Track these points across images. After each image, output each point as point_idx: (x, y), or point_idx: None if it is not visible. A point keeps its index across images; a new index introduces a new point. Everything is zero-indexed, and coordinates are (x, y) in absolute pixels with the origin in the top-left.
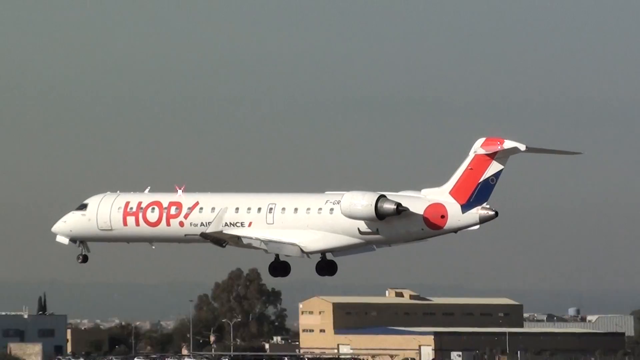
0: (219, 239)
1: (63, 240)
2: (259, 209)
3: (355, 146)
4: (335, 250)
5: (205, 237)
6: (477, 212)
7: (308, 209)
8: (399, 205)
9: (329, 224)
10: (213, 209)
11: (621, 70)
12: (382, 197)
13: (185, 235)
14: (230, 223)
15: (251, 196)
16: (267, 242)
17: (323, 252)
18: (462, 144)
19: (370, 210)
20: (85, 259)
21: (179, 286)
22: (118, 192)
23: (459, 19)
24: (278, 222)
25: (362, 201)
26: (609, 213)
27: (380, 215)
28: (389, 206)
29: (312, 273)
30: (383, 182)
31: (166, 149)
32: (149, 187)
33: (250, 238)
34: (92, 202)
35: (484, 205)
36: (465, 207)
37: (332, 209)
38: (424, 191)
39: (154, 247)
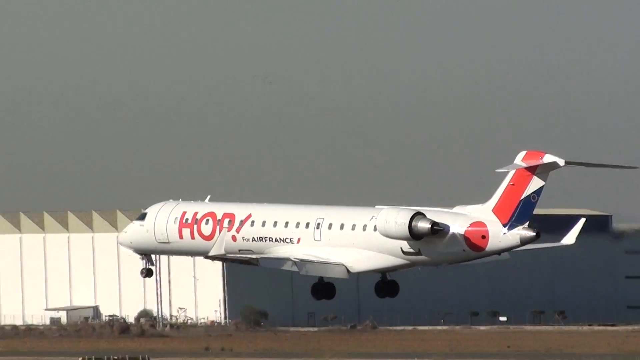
0: (241, 260)
1: (128, 251)
2: (307, 224)
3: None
4: (382, 272)
5: (209, 258)
6: (517, 233)
7: (354, 225)
8: (434, 224)
9: (373, 243)
10: (264, 223)
11: None
12: (417, 215)
13: (239, 250)
14: (280, 239)
15: (300, 209)
16: (299, 262)
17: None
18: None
19: (404, 229)
20: (149, 272)
21: None
22: (180, 200)
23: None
24: (325, 239)
25: (397, 219)
26: None
27: (415, 234)
28: (423, 225)
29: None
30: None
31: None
32: (209, 196)
33: (273, 259)
34: (151, 211)
35: (525, 225)
36: (507, 227)
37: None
38: (468, 208)
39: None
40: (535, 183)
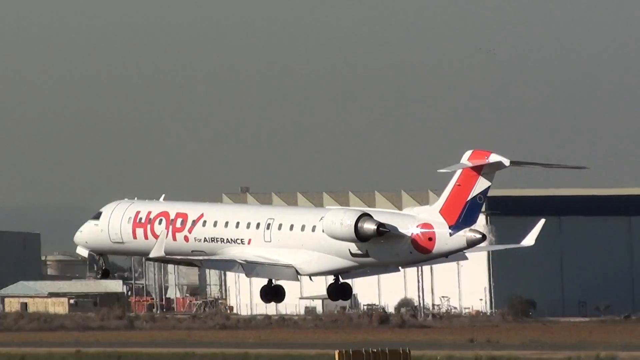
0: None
1: (82, 251)
2: (258, 225)
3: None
4: (330, 274)
5: (150, 260)
6: (464, 235)
7: (303, 226)
8: (380, 225)
9: (322, 245)
10: (215, 223)
11: None
12: (363, 216)
13: (192, 251)
14: (231, 240)
15: (252, 209)
16: (246, 264)
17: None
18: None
19: (350, 230)
20: (105, 273)
21: None
22: (135, 199)
23: None
24: (275, 240)
25: (343, 220)
26: None
27: (360, 236)
28: (369, 226)
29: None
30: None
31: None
32: (163, 195)
33: (217, 261)
34: (106, 210)
35: (472, 227)
36: (454, 229)
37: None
38: (416, 209)
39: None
40: (482, 184)
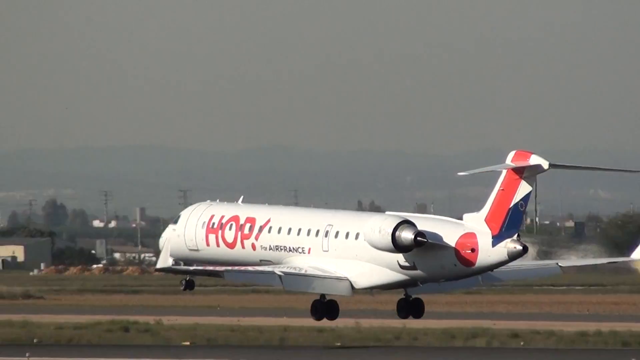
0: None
1: (166, 260)
2: (317, 232)
3: None
4: (386, 288)
5: (158, 271)
6: (504, 247)
7: (357, 234)
8: (418, 234)
9: (374, 255)
10: (280, 229)
11: None
12: (403, 224)
13: (260, 260)
14: (293, 248)
15: (315, 214)
16: (285, 275)
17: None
18: None
19: (388, 239)
20: (189, 284)
21: None
22: (218, 201)
23: None
24: (332, 249)
25: (382, 227)
26: None
27: (398, 245)
28: (406, 235)
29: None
30: None
31: None
32: (242, 197)
33: (242, 272)
34: (184, 214)
35: (514, 237)
36: (496, 239)
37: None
38: (465, 216)
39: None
40: (524, 188)
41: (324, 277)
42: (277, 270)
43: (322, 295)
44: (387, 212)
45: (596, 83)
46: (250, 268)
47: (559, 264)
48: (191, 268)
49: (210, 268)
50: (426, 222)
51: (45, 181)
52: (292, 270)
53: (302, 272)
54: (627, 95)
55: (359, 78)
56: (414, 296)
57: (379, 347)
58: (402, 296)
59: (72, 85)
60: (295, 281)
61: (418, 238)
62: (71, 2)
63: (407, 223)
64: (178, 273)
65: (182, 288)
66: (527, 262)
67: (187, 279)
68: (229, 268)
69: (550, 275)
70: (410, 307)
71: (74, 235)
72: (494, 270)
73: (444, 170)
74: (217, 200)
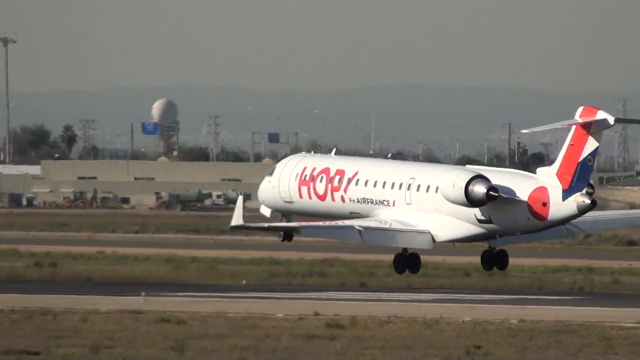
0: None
1: (265, 210)
2: (401, 185)
3: None
4: (466, 241)
5: (232, 229)
6: (574, 201)
7: (437, 187)
8: (490, 188)
9: (453, 209)
10: (366, 182)
11: None
12: (476, 178)
13: (350, 212)
14: (379, 201)
15: (400, 166)
16: (365, 230)
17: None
18: None
19: (461, 193)
20: (287, 235)
21: None
22: (312, 152)
23: None
24: (414, 202)
25: (455, 181)
26: None
27: (472, 200)
28: (479, 189)
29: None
30: None
31: None
32: (334, 149)
33: (319, 227)
34: (279, 166)
35: (583, 192)
36: (567, 193)
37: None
38: (539, 170)
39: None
40: (591, 144)
41: (405, 231)
42: (357, 224)
43: (404, 249)
44: (466, 166)
45: None
46: (328, 223)
47: None
48: (265, 225)
49: (286, 224)
50: (501, 176)
51: None
52: (372, 224)
53: (383, 225)
54: None
55: None
56: (498, 248)
57: None
58: (486, 248)
59: None
60: (376, 235)
61: (490, 192)
62: None
63: (480, 177)
64: (252, 230)
65: (280, 239)
66: (613, 211)
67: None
68: (306, 224)
69: (637, 224)
70: (495, 259)
71: None
72: (577, 220)
73: None
74: (312, 152)
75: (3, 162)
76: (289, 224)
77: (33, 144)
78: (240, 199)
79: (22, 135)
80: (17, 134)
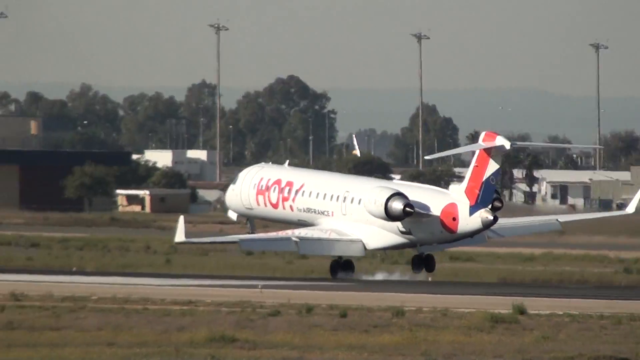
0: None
1: (232, 215)
2: (338, 197)
3: None
4: (393, 249)
5: (177, 245)
6: (479, 216)
7: (360, 200)
8: (407, 205)
9: (380, 221)
10: (310, 193)
11: None
12: (395, 195)
13: (298, 220)
14: (321, 211)
15: (339, 179)
16: (300, 241)
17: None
18: None
19: (381, 210)
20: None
21: None
22: (270, 163)
23: None
24: (349, 213)
25: (377, 198)
26: None
27: (390, 215)
28: (396, 206)
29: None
30: None
31: None
32: (287, 160)
33: (256, 240)
34: (241, 175)
35: (487, 207)
36: (473, 209)
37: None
38: (451, 187)
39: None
40: (492, 166)
41: (339, 240)
42: (293, 235)
43: (339, 256)
44: (394, 180)
45: None
46: (264, 235)
47: (558, 220)
48: (207, 240)
49: (223, 240)
50: (418, 192)
51: None
52: (308, 235)
53: (319, 235)
54: None
55: None
56: (426, 253)
57: None
58: (416, 253)
59: None
60: (311, 245)
61: (406, 209)
62: None
63: (398, 195)
64: (195, 244)
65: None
66: (528, 218)
67: (251, 233)
68: (244, 237)
69: (551, 230)
70: (424, 262)
71: None
72: (496, 227)
73: None
74: (270, 163)
75: (593, 167)
76: (227, 238)
77: (623, 150)
78: (181, 218)
79: (612, 142)
80: (607, 140)
